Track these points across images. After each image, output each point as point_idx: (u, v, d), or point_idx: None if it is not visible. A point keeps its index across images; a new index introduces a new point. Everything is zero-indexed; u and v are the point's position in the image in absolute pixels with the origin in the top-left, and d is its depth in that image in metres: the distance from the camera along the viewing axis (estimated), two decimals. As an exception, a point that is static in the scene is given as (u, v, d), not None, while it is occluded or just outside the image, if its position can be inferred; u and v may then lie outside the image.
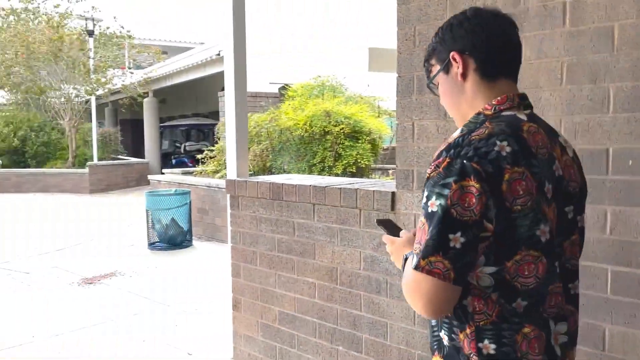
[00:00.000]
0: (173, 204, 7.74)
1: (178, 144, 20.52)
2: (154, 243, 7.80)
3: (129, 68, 17.85)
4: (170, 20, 28.15)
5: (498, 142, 1.10)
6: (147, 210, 7.82)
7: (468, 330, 1.16)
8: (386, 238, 1.42)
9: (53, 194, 15.00)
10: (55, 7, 15.34)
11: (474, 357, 1.16)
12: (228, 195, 3.39)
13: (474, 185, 1.07)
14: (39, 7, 15.79)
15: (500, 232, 1.09)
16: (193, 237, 8.09)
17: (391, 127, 9.34)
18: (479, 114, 1.23)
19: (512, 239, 1.10)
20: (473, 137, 1.13)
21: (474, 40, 1.22)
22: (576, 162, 1.29)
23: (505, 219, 1.09)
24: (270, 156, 8.51)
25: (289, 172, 8.04)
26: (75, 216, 10.84)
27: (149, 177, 10.21)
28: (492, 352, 1.14)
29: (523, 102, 1.24)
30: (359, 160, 8.25)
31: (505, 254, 1.11)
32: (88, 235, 8.82)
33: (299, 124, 8.29)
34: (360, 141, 8.45)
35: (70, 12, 15.74)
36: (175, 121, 21.35)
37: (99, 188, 15.52)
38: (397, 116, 2.49)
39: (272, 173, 8.17)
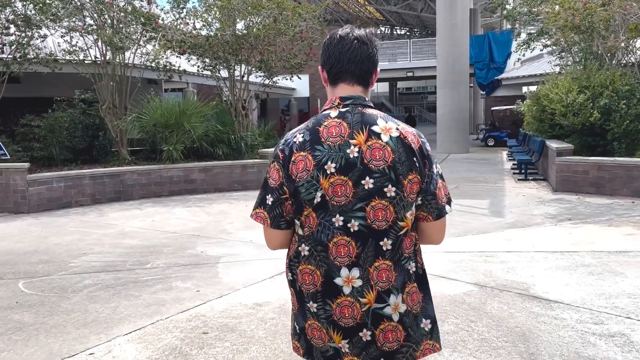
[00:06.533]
0: None
1: None
2: None
3: None
4: None
5: (297, 134, 1.70)
6: None
7: (286, 262, 1.80)
8: None
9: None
10: None
11: (286, 279, 1.82)
12: None
13: (276, 164, 1.71)
14: None
15: (292, 195, 1.68)
16: None
17: None
18: None
19: (299, 199, 1.67)
20: (289, 132, 1.75)
21: (324, 58, 1.77)
22: (390, 146, 1.65)
23: (293, 186, 1.67)
24: None
25: None
26: None
27: None
28: (290, 278, 1.78)
29: (343, 102, 1.72)
30: None
31: (299, 210, 1.69)
32: None
33: None
34: None
35: None
36: None
37: None
38: None
39: None
